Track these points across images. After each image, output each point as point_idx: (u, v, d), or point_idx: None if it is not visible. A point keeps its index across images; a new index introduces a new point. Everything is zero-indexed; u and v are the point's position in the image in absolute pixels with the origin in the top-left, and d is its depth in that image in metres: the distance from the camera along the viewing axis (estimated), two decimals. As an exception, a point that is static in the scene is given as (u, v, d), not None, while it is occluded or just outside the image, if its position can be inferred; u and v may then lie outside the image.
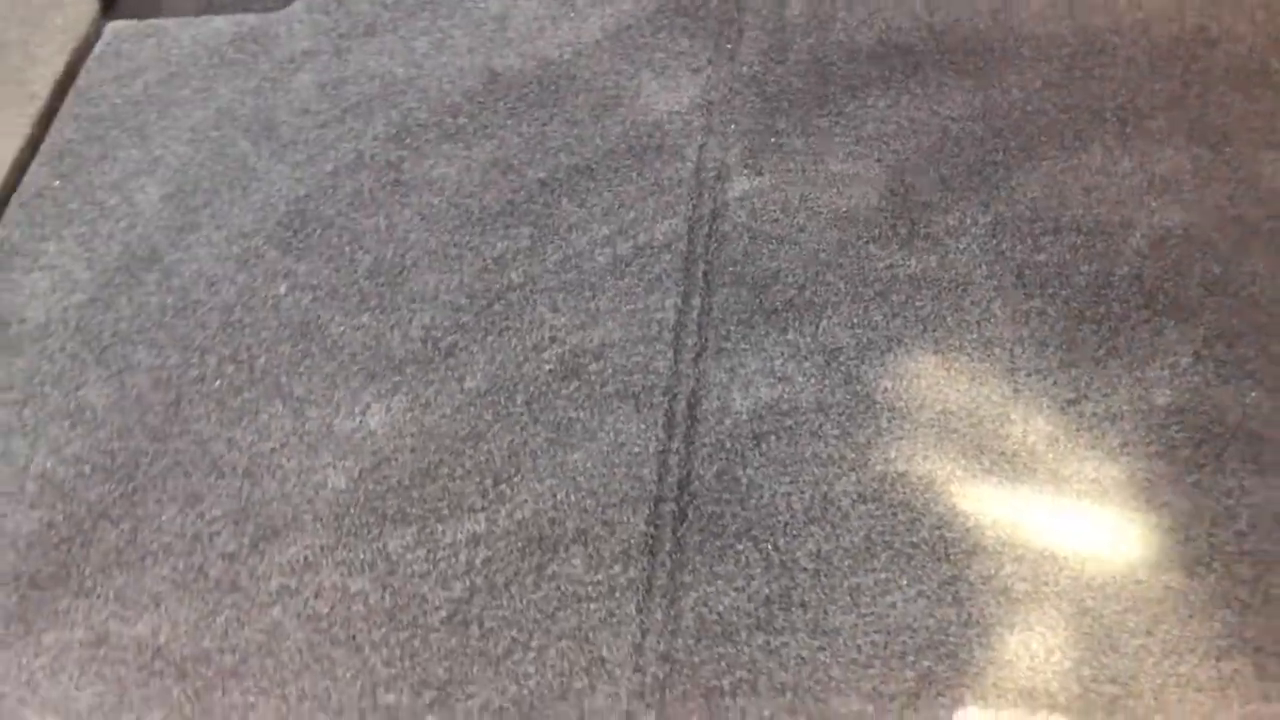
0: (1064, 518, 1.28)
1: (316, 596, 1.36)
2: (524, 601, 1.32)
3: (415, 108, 1.82)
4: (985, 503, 1.31)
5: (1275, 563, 1.21)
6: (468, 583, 1.35)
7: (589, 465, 1.41)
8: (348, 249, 1.66)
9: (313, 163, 1.77)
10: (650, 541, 1.34)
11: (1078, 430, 1.34)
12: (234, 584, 1.38)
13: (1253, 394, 1.32)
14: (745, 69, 1.76)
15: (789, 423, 1.40)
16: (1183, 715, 1.14)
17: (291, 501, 1.44)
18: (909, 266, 1.50)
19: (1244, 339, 1.36)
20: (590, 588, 1.32)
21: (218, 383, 1.56)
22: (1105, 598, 1.22)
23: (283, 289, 1.64)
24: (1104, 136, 1.57)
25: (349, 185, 1.74)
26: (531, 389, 1.49)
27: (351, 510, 1.42)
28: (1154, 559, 1.24)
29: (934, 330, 1.44)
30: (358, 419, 1.50)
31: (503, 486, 1.41)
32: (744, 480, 1.37)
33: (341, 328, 1.58)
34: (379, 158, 1.76)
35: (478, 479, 1.42)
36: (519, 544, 1.36)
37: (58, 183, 1.82)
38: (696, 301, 1.53)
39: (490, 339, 1.54)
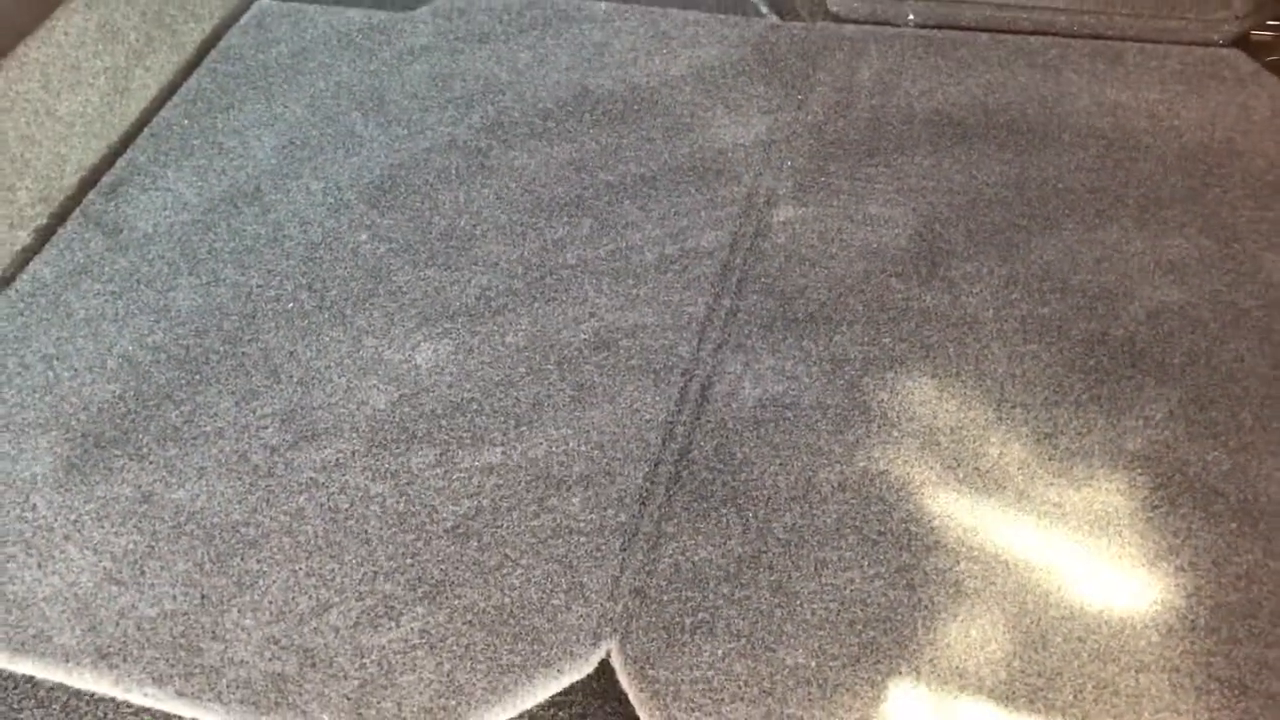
0: (1022, 532, 1.39)
1: (340, 492, 1.51)
2: (522, 526, 1.46)
3: (510, 107, 2.02)
4: (953, 508, 1.42)
5: (1206, 598, 1.31)
6: (476, 503, 1.49)
7: (603, 423, 1.55)
8: (427, 213, 1.85)
9: (411, 139, 1.98)
10: (644, 494, 1.48)
11: (1049, 459, 1.45)
12: (270, 471, 1.54)
13: (1214, 453, 1.43)
14: (810, 117, 1.93)
15: (789, 415, 1.54)
16: (1097, 714, 1.24)
17: (334, 411, 1.60)
18: (923, 301, 1.64)
19: (1216, 405, 1.47)
20: (583, 524, 1.45)
21: (291, 305, 1.74)
22: (1046, 604, 1.33)
23: (364, 237, 1.82)
24: (1122, 219, 1.70)
25: (439, 162, 1.93)
26: (565, 353, 1.64)
27: (385, 427, 1.58)
28: (1098, 579, 1.34)
29: (935, 357, 1.57)
30: (407, 353, 1.66)
31: (523, 428, 1.56)
32: (738, 456, 1.50)
33: (408, 276, 1.76)
34: (470, 143, 1.96)
35: (502, 419, 1.57)
36: (527, 478, 1.51)
37: (186, 121, 2.05)
38: (726, 303, 1.68)
39: (537, 306, 1.71)
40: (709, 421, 1.55)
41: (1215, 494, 1.39)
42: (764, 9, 2.33)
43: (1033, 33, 2.05)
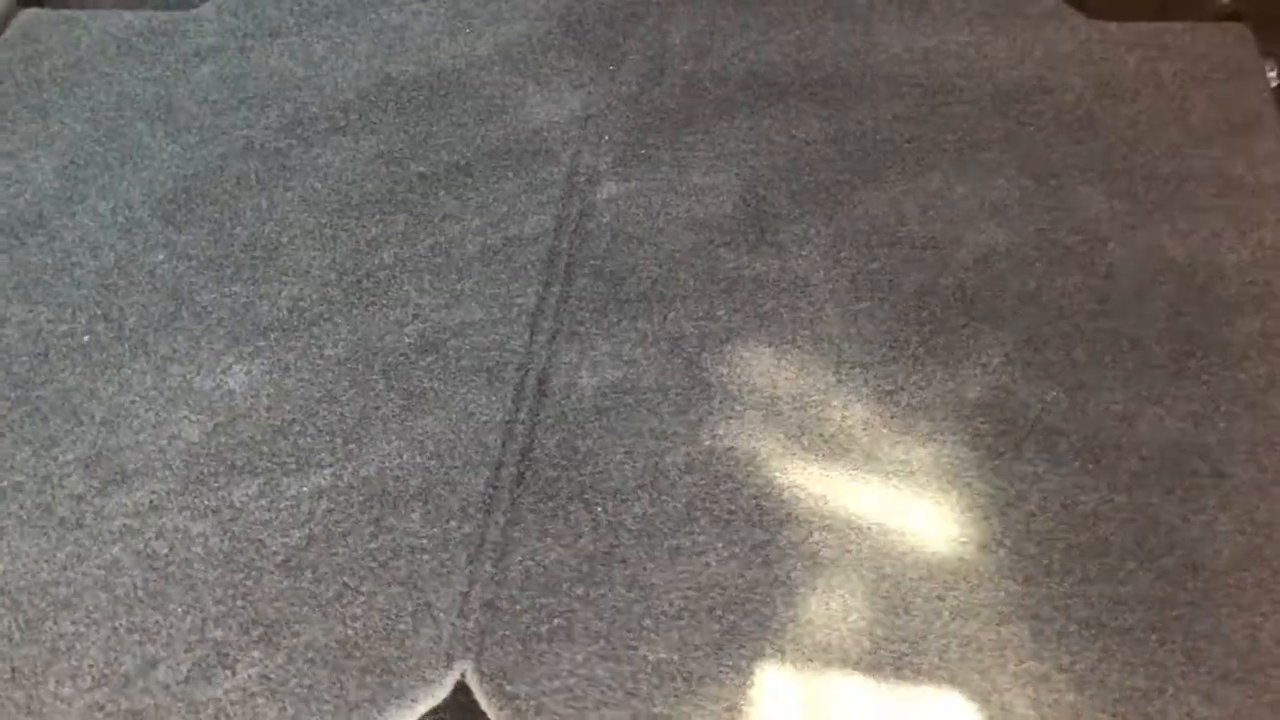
0: (873, 494, 1.37)
1: (157, 537, 1.40)
2: (359, 550, 1.37)
3: (308, 103, 1.90)
4: (802, 478, 1.39)
5: (1057, 540, 1.31)
6: (306, 531, 1.39)
7: (437, 430, 1.47)
8: (228, 224, 1.73)
9: (204, 146, 1.85)
10: (488, 501, 1.40)
11: (892, 417, 1.43)
12: (78, 522, 1.42)
13: (1053, 393, 1.43)
14: (624, 88, 1.87)
15: (629, 400, 1.48)
16: (963, 672, 1.22)
17: (144, 450, 1.48)
18: (754, 268, 1.60)
19: (1050, 345, 1.47)
20: (425, 540, 1.38)
21: (86, 338, 1.60)
22: (903, 566, 1.31)
23: (161, 256, 1.69)
24: (943, 165, 1.69)
25: (236, 168, 1.81)
26: (390, 359, 1.55)
27: (201, 460, 1.46)
28: (951, 535, 1.33)
29: (770, 325, 1.54)
30: (218, 378, 1.55)
31: (351, 446, 1.47)
32: (582, 449, 1.44)
33: (212, 295, 1.64)
34: (268, 145, 1.84)
35: (328, 438, 1.48)
36: (361, 498, 1.42)
37: (-49, 148, 1.87)
38: (556, 290, 1.61)
39: (355, 312, 1.61)
40: (549, 416, 1.48)
41: (1057, 434, 1.39)
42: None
43: (839, -17, 2.03)
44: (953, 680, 1.22)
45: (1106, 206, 1.61)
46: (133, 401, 1.52)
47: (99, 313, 1.63)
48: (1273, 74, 1.79)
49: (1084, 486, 1.35)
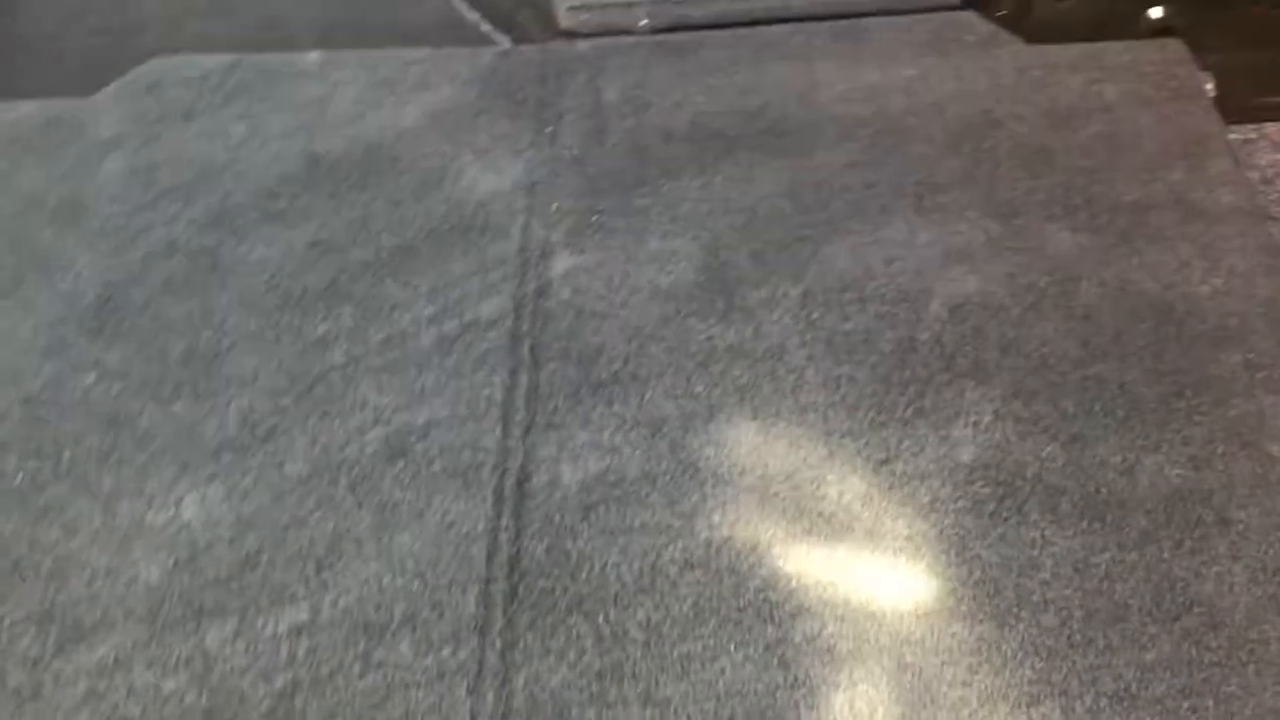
0: (881, 575, 1.33)
1: (128, 697, 1.29)
2: (349, 692, 1.28)
3: (232, 191, 1.79)
4: (807, 563, 1.34)
5: (1074, 608, 1.28)
6: (290, 675, 1.30)
7: (417, 547, 1.39)
8: (160, 336, 1.62)
9: (124, 249, 1.72)
10: (481, 622, 1.33)
11: (890, 488, 1.39)
12: (35, 691, 1.30)
13: (1048, 448, 1.40)
14: (566, 152, 1.80)
15: (617, 493, 1.42)
16: (999, 760, 1.19)
17: (100, 600, 1.37)
18: (726, 338, 1.55)
19: (1038, 397, 1.44)
20: (419, 673, 1.29)
21: (18, 480, 1.48)
22: (924, 652, 1.26)
23: (91, 379, 1.57)
24: (904, 211, 1.66)
25: (161, 271, 1.69)
26: (355, 471, 1.46)
27: (166, 605, 1.36)
28: (968, 611, 1.29)
29: (752, 398, 1.49)
30: (171, 510, 1.44)
31: (325, 573, 1.38)
32: (574, 553, 1.37)
33: (153, 417, 1.53)
34: (193, 243, 1.73)
35: (300, 566, 1.38)
36: (344, 632, 1.33)
37: None
38: (524, 378, 1.54)
39: (311, 422, 1.51)
40: (534, 520, 1.41)
41: (1058, 492, 1.37)
42: (494, 33, 2.17)
43: (771, 21, 1.98)
44: (991, 771, 1.18)
45: (1073, 243, 1.59)
46: (81, 547, 1.41)
47: (30, 449, 1.51)
48: (1209, 86, 1.79)
49: (1093, 547, 1.32)
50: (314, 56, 1.99)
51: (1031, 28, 1.93)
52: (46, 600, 1.37)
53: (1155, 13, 1.95)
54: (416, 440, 1.49)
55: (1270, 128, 1.80)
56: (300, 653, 1.31)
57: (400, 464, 1.47)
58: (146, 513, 1.44)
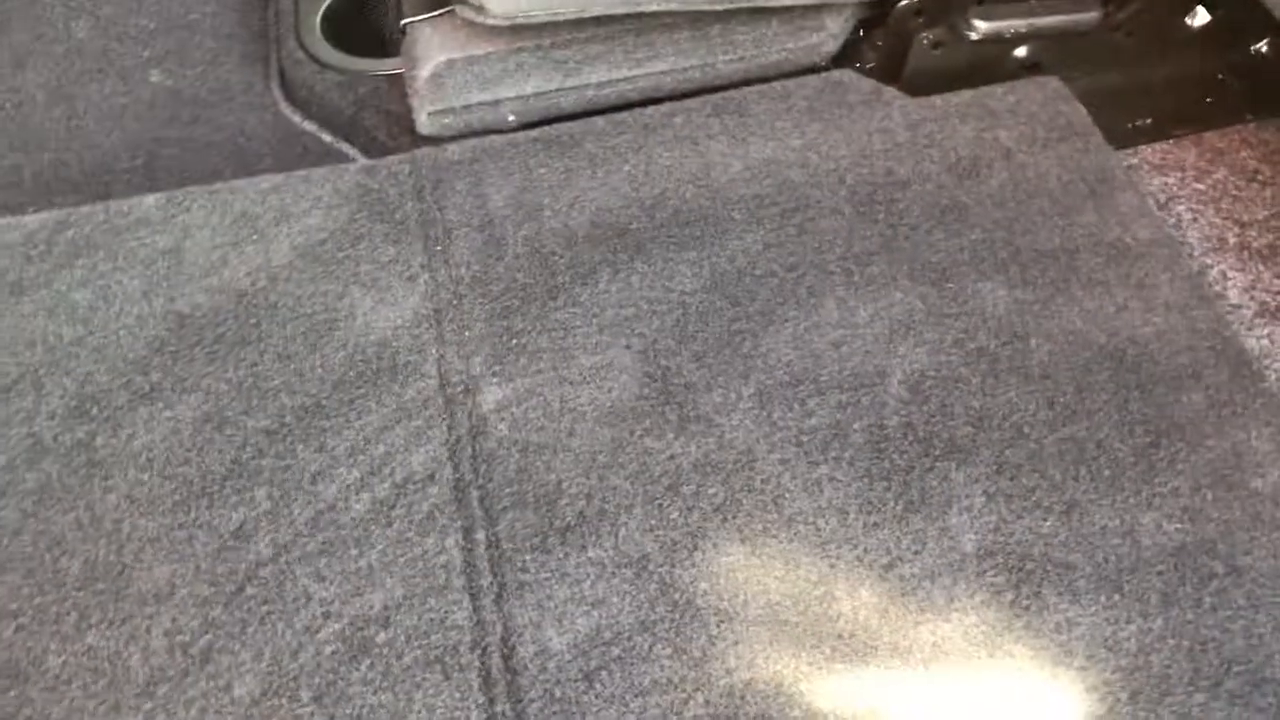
0: (918, 692, 1.25)
1: None
2: None
3: (93, 371, 1.57)
4: (839, 695, 1.26)
5: (1119, 691, 1.24)
6: None
7: (407, 757, 1.23)
8: (47, 557, 1.39)
9: (-24, 458, 1.49)
10: (502, 831, 1.18)
11: (903, 595, 1.32)
12: None
13: (1047, 523, 1.36)
14: (464, 270, 1.66)
15: (616, 651, 1.29)
16: None
17: None
18: (690, 454, 1.45)
19: (1022, 470, 1.41)
20: None
21: (-93, 767, 1.24)
22: (983, 767, 1.20)
23: (-28, 625, 1.34)
24: (834, 289, 1.60)
25: (31, 479, 1.46)
26: (316, 680, 1.29)
27: None
28: (1015, 713, 1.23)
29: (733, 518, 1.39)
30: (108, 768, 1.23)
31: (311, 809, 1.20)
32: (586, 731, 1.24)
33: (61, 658, 1.31)
34: (62, 438, 1.50)
35: (278, 807, 1.20)
36: None
37: None
38: (481, 535, 1.39)
39: (251, 630, 1.33)
40: (533, 699, 1.27)
41: (1069, 569, 1.33)
42: (344, 148, 2.01)
43: (643, 103, 1.89)
44: None
45: (1011, 300, 1.57)
46: (5, 838, 1.19)
47: (-88, 726, 1.26)
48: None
49: (1118, 620, 1.29)
50: (152, 200, 1.78)
51: (908, 78, 1.91)
52: None
53: (1020, 52, 1.97)
54: (376, 630, 1.32)
55: (1144, 150, 1.83)
56: None
57: (365, 662, 1.30)
58: (77, 778, 1.23)
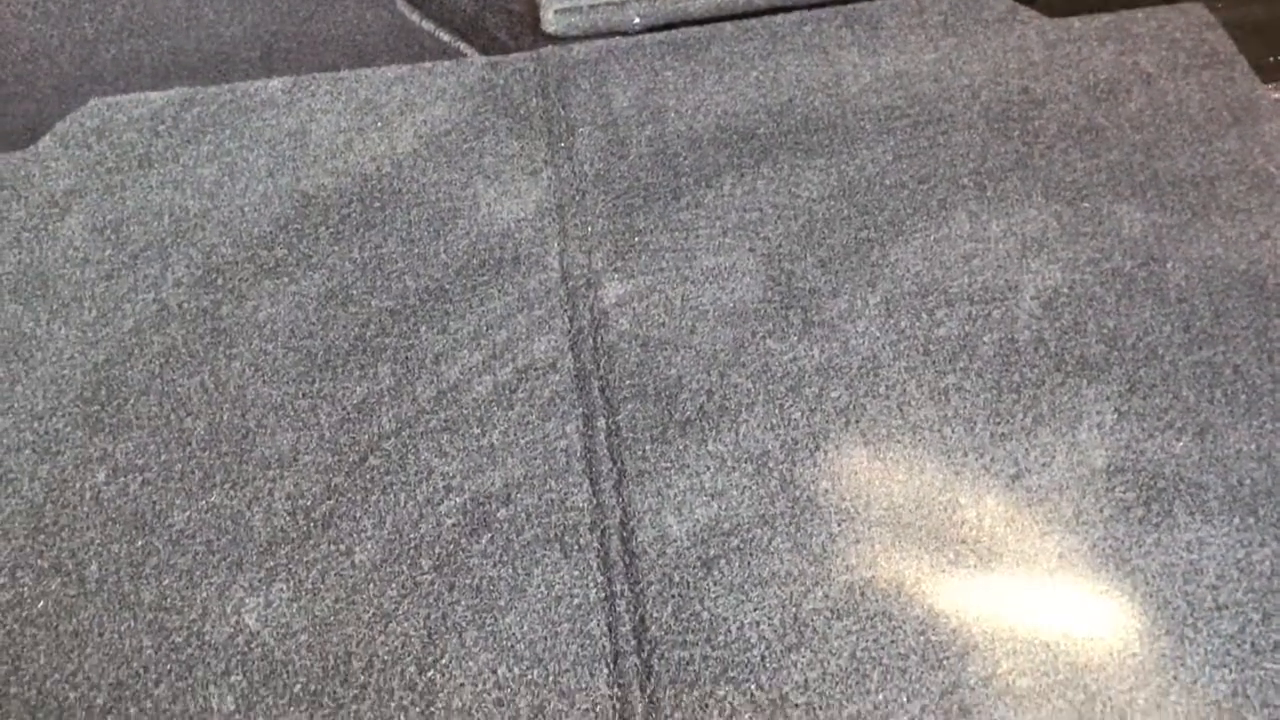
0: (1043, 600, 1.24)
1: None
2: (489, 806, 1.13)
3: (218, 244, 1.59)
4: (962, 597, 1.24)
5: (1252, 612, 1.21)
6: (416, 796, 1.14)
7: (526, 629, 1.24)
8: (173, 417, 1.41)
9: (106, 321, 1.51)
10: (619, 705, 1.19)
11: (1028, 505, 1.30)
12: None
13: (1180, 443, 1.33)
14: (587, 168, 1.65)
15: (735, 542, 1.29)
16: (1214, 787, 1.11)
17: (171, 739, 1.18)
18: (814, 357, 1.43)
19: (1155, 390, 1.38)
20: (564, 773, 1.15)
21: (40, 604, 1.27)
22: (1107, 678, 1.18)
23: (101, 476, 1.36)
24: (966, 203, 1.57)
25: (158, 342, 1.48)
26: (437, 550, 1.30)
27: (251, 735, 1.18)
28: (1142, 628, 1.21)
29: (857, 421, 1.38)
30: (232, 621, 1.25)
31: (430, 673, 1.21)
32: (705, 615, 1.24)
33: (186, 513, 1.33)
34: (188, 305, 1.52)
35: (398, 672, 1.21)
36: (466, 738, 1.17)
37: None
38: (601, 423, 1.39)
39: (374, 499, 1.34)
40: (651, 582, 1.27)
41: (1201, 489, 1.30)
42: (462, 47, 2.00)
43: (770, 11, 1.86)
44: (1211, 801, 1.11)
45: (1148, 223, 1.53)
46: (134, 676, 1.21)
47: (45, 567, 1.29)
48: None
49: (1251, 543, 1.26)
50: (278, 83, 1.79)
51: (1046, 1, 1.86)
52: (105, 747, 1.17)
53: (1163, -23, 1.91)
54: (498, 507, 1.33)
55: (1288, 86, 1.77)
56: (421, 769, 1.15)
57: (486, 536, 1.31)
58: (203, 626, 1.25)
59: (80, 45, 2.12)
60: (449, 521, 1.32)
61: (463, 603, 1.26)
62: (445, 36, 2.09)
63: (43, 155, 1.70)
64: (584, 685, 1.20)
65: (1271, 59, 1.84)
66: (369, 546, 1.30)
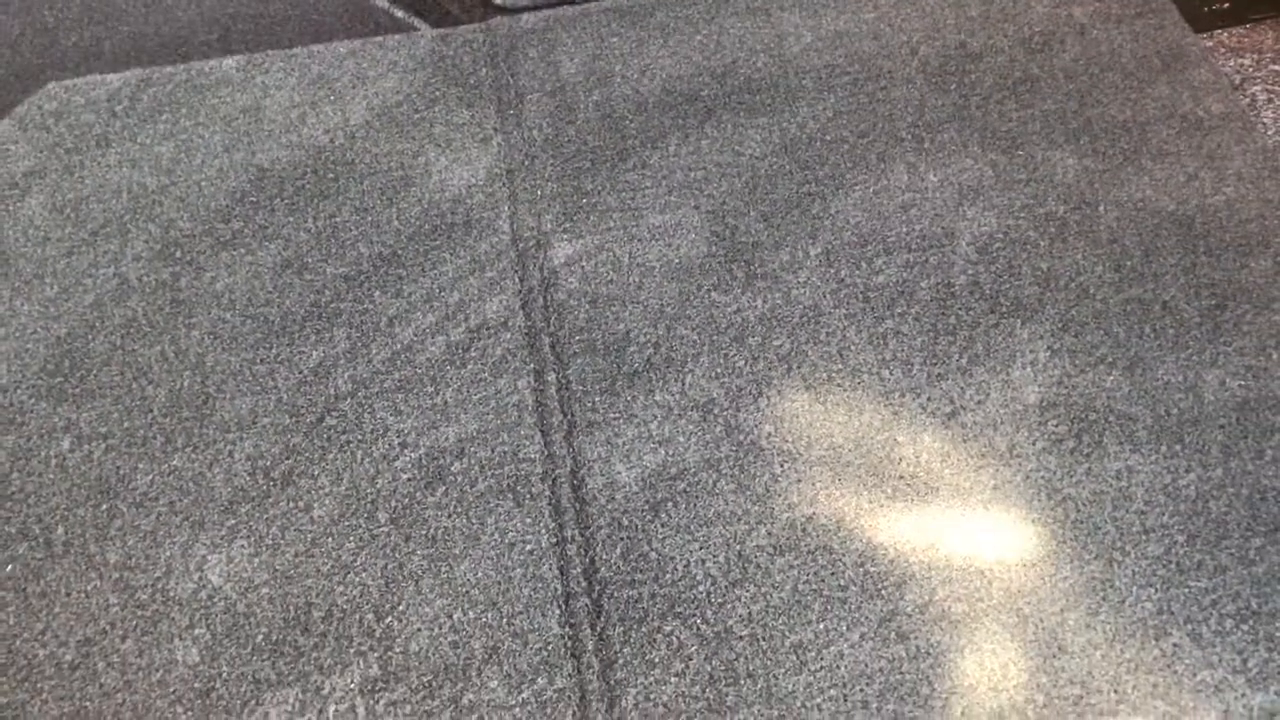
0: (978, 530, 1.28)
1: (196, 795, 1.15)
2: (446, 742, 1.18)
3: (176, 218, 1.62)
4: (900, 530, 1.29)
5: (1175, 533, 1.26)
6: (376, 736, 1.18)
7: (480, 575, 1.28)
8: (134, 385, 1.45)
9: (68, 296, 1.54)
10: (570, 644, 1.23)
11: (964, 441, 1.35)
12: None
13: (1110, 377, 1.38)
14: (536, 133, 1.69)
15: (682, 485, 1.33)
16: (1145, 701, 1.16)
17: (137, 690, 1.22)
18: (756, 307, 1.48)
19: (1087, 327, 1.42)
20: (517, 709, 1.19)
21: (10, 568, 1.30)
22: (1040, 601, 1.23)
23: (66, 444, 1.40)
24: (905, 155, 1.61)
25: (118, 315, 1.52)
26: (393, 504, 1.34)
27: (216, 685, 1.22)
28: (1072, 553, 1.26)
29: (798, 367, 1.42)
30: (195, 577, 1.29)
31: (388, 619, 1.26)
32: (653, 555, 1.28)
33: (149, 476, 1.37)
34: (147, 279, 1.55)
35: (355, 620, 1.26)
36: (424, 679, 1.21)
37: None
38: (551, 377, 1.43)
39: (331, 457, 1.38)
40: (600, 526, 1.31)
41: (1130, 420, 1.34)
42: (415, 21, 2.03)
43: (715, -24, 1.90)
44: (1137, 711, 1.15)
45: (1080, 168, 1.57)
46: (102, 633, 1.25)
47: (13, 531, 1.33)
48: None
49: (1178, 469, 1.30)
50: (232, 61, 1.82)
51: (982, -43, 1.91)
52: (75, 699, 1.21)
53: (1097, -69, 1.95)
54: (451, 460, 1.37)
55: (1220, 34, 1.82)
56: (379, 709, 1.19)
57: (441, 489, 1.35)
58: (168, 583, 1.29)
59: (41, 33, 2.15)
60: (404, 476, 1.36)
61: (419, 553, 1.30)
62: (399, 13, 2.12)
63: (2, 139, 1.73)
64: (536, 626, 1.24)
65: (1206, 8, 1.88)
66: (327, 502, 1.34)
